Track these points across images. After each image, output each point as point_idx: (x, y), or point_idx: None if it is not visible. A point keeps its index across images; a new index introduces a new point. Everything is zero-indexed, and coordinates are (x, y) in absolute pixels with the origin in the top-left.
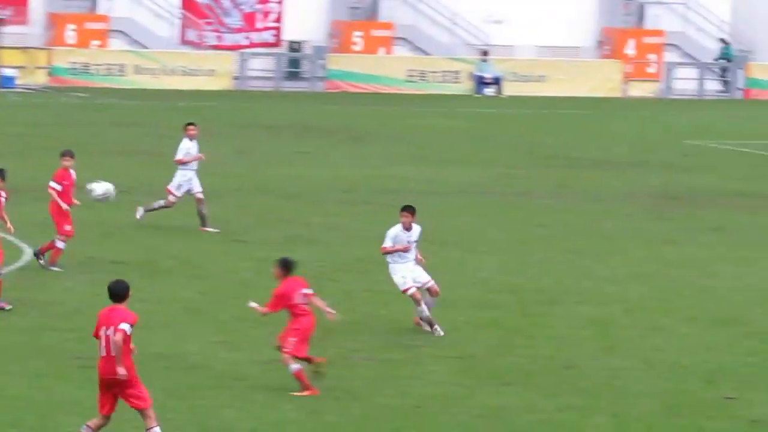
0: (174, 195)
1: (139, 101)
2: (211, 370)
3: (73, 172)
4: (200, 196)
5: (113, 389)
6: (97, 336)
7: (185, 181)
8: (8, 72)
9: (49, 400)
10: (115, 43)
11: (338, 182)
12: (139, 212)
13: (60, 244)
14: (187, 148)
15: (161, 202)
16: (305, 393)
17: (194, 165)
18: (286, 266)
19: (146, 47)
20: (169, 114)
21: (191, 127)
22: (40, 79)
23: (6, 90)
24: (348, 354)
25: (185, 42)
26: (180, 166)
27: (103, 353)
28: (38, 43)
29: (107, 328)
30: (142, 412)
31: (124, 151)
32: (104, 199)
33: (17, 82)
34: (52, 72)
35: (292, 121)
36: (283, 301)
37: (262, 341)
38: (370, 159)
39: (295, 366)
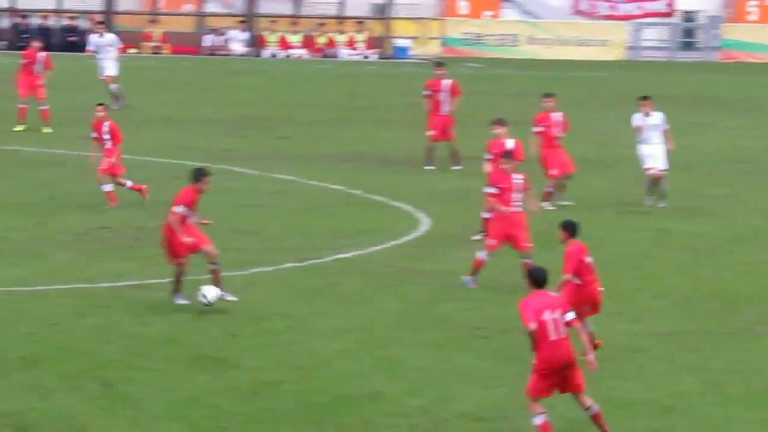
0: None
1: (531, 71)
2: (609, 342)
3: (506, 141)
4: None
5: (565, 372)
6: (535, 322)
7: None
8: (402, 43)
9: (449, 370)
10: (508, 14)
11: (735, 153)
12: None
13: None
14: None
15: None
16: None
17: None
18: (570, 229)
19: (539, 17)
20: (561, 84)
21: (644, 101)
22: (433, 49)
23: (400, 60)
24: (751, 326)
25: (578, 12)
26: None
27: (553, 337)
28: (431, 13)
29: (552, 311)
30: (580, 394)
31: (517, 121)
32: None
33: (411, 52)
34: (444, 42)
35: (686, 92)
36: (574, 258)
37: (660, 313)
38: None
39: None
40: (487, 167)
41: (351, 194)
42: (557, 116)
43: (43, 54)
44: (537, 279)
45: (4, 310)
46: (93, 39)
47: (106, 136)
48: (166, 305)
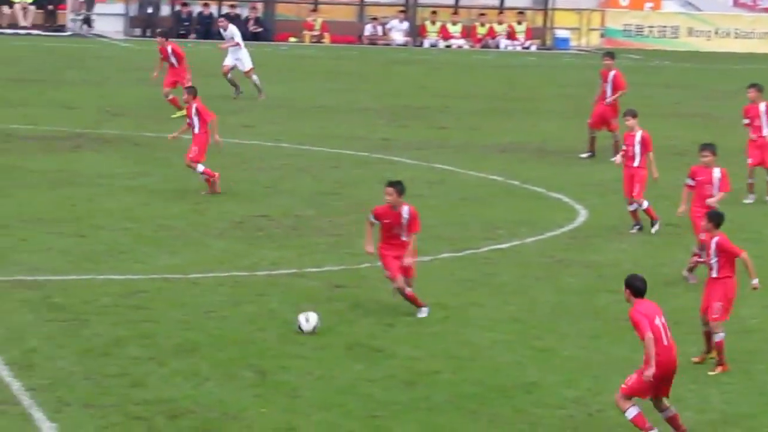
0: None
1: (691, 63)
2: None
3: (637, 133)
4: None
5: (671, 377)
6: (650, 330)
7: None
8: (562, 33)
9: (604, 362)
10: (669, 6)
11: None
12: None
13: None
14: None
15: None
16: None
17: None
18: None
19: (699, 9)
20: (721, 77)
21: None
22: (593, 40)
23: (560, 51)
24: None
25: (739, 5)
26: None
27: (666, 342)
28: (592, 4)
29: (660, 317)
30: (664, 399)
31: (675, 113)
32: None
33: (571, 43)
34: (605, 34)
35: None
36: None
37: None
38: None
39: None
40: (618, 159)
41: (509, 184)
42: (762, 107)
43: (169, 47)
44: (640, 288)
45: (161, 298)
46: (223, 32)
47: (195, 121)
48: (323, 294)
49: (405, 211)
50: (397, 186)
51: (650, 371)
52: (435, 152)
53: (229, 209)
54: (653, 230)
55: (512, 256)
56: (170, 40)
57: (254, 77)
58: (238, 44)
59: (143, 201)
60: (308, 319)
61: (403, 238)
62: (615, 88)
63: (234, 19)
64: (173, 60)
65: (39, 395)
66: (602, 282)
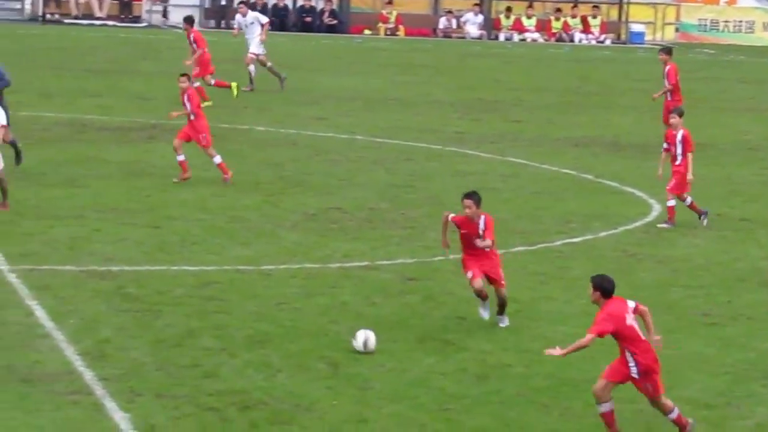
0: None
1: (766, 59)
2: None
3: (679, 132)
4: None
5: (655, 373)
6: (617, 329)
7: None
8: (637, 28)
9: (676, 356)
10: (744, 0)
11: None
12: None
13: (675, 202)
14: None
15: None
16: None
17: None
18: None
19: None
20: None
21: None
22: (668, 35)
23: (634, 45)
24: None
25: None
26: None
27: (643, 338)
28: None
29: (629, 314)
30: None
31: (750, 108)
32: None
33: (646, 37)
34: (680, 28)
35: None
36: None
37: None
38: None
39: None
40: (663, 156)
41: (582, 178)
42: None
43: (191, 34)
44: (609, 289)
45: (233, 289)
46: (238, 18)
47: (188, 106)
48: (395, 286)
49: (482, 221)
50: (475, 197)
51: (558, 351)
52: (508, 145)
53: (303, 201)
54: (704, 223)
55: (585, 250)
56: (195, 27)
57: (251, 67)
58: (262, 28)
59: (216, 192)
60: (366, 344)
61: (478, 245)
62: (668, 83)
63: (253, 6)
64: (194, 46)
65: (111, 385)
66: (675, 277)
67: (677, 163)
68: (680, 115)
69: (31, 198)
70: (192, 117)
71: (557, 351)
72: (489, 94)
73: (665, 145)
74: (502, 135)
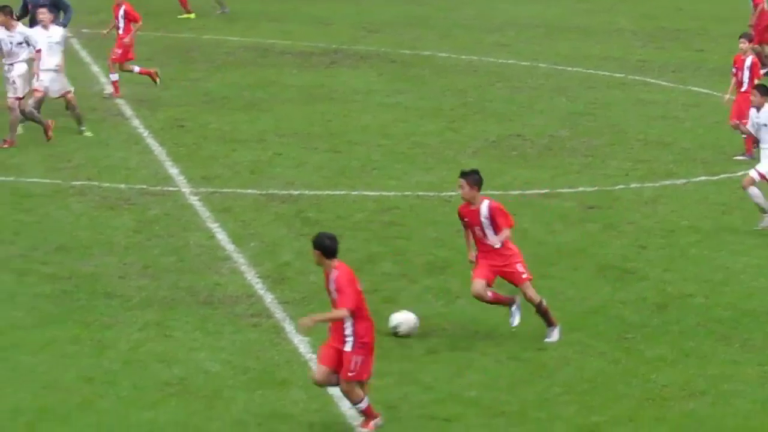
0: None
1: None
2: None
3: (748, 58)
4: None
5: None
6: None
7: None
8: None
9: None
10: None
11: None
12: None
13: None
14: None
15: None
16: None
17: None
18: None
19: None
20: None
21: None
22: None
23: None
24: None
25: None
26: None
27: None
28: None
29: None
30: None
31: None
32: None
33: None
34: None
35: None
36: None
37: None
38: None
39: None
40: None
41: None
42: None
43: None
44: (332, 247)
45: (414, 215)
46: None
47: (121, 22)
48: (575, 215)
49: (484, 207)
50: (470, 177)
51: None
52: (691, 75)
53: (484, 128)
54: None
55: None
56: None
57: None
58: None
59: (398, 118)
60: (399, 326)
61: (489, 241)
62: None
63: None
64: None
65: (291, 309)
66: None
67: (743, 90)
68: (750, 40)
69: (213, 122)
70: (121, 32)
71: (308, 320)
72: (672, 22)
73: (733, 70)
74: (685, 64)
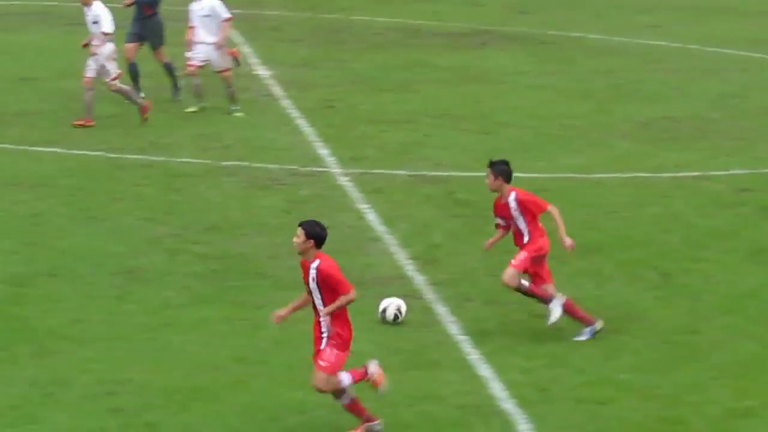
0: None
1: None
2: None
3: None
4: None
5: None
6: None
7: None
8: None
9: None
10: None
11: None
12: None
13: None
14: None
15: None
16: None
17: None
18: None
19: None
20: None
21: None
22: None
23: None
24: None
25: None
26: None
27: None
28: None
29: None
30: None
31: None
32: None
33: None
34: None
35: None
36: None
37: None
38: None
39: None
40: None
41: None
42: None
43: None
44: (323, 237)
45: (564, 197)
46: None
47: None
48: (728, 197)
49: (512, 199)
50: (496, 166)
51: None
52: None
53: (635, 110)
54: None
55: None
56: None
57: None
58: None
59: (547, 99)
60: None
61: (526, 238)
62: None
63: None
64: None
65: (442, 290)
66: None
67: None
68: None
69: (363, 102)
70: None
71: (280, 312)
72: None
73: None
74: None
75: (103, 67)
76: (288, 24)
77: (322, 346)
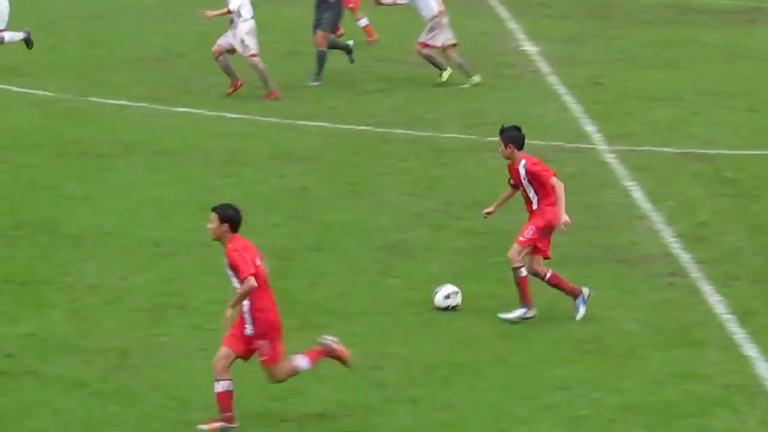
0: None
1: None
2: None
3: None
4: None
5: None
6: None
7: None
8: None
9: None
10: None
11: None
12: None
13: None
14: None
15: None
16: None
17: None
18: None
19: None
20: None
21: None
22: None
23: None
24: None
25: None
26: None
27: (270, 290)
28: None
29: (259, 259)
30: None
31: None
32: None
33: None
34: None
35: None
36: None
37: None
38: None
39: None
40: None
41: None
42: None
43: None
44: (237, 220)
45: None
46: None
47: None
48: None
49: (521, 166)
50: (505, 133)
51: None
52: None
53: None
54: None
55: None
56: None
57: None
58: None
59: None
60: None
61: (534, 204)
62: None
63: None
64: None
65: (707, 269)
66: None
67: None
68: None
69: (630, 79)
70: None
71: (227, 313)
72: None
73: None
74: None
75: (242, 42)
76: (555, 0)
77: (246, 332)
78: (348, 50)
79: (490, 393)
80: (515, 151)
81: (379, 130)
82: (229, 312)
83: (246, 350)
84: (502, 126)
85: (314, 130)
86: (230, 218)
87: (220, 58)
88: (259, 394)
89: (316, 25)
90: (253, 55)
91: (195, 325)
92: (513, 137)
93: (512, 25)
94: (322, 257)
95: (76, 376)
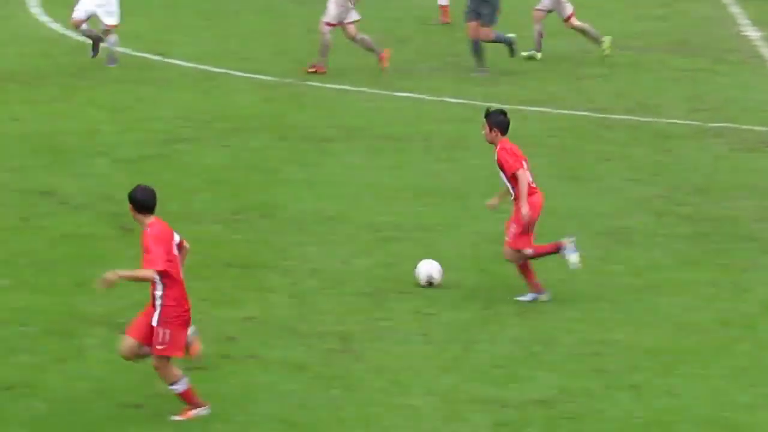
0: None
1: None
2: None
3: None
4: None
5: None
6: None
7: None
8: None
9: None
10: None
11: None
12: None
13: None
14: None
15: None
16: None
17: None
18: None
19: None
20: None
21: None
22: None
23: None
24: None
25: None
26: None
27: (181, 277)
28: None
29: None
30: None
31: None
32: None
33: None
34: None
35: None
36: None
37: None
38: None
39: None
40: None
41: None
42: None
43: None
44: (148, 204)
45: None
46: None
47: None
48: None
49: (497, 152)
50: (490, 117)
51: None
52: None
53: None
54: None
55: None
56: None
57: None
58: None
59: None
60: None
61: (512, 196)
62: None
63: None
64: None
65: None
66: None
67: None
68: None
69: None
70: None
71: (111, 274)
72: None
73: None
74: None
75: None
76: None
77: (152, 322)
78: (509, 43)
79: (712, 380)
80: (498, 135)
81: (599, 115)
82: (113, 275)
83: (148, 336)
84: (488, 109)
85: (535, 115)
86: (137, 201)
87: (359, 38)
88: (480, 379)
89: (473, 17)
90: (329, 24)
91: (416, 309)
92: (499, 122)
93: (735, 9)
94: (544, 242)
95: (297, 360)
